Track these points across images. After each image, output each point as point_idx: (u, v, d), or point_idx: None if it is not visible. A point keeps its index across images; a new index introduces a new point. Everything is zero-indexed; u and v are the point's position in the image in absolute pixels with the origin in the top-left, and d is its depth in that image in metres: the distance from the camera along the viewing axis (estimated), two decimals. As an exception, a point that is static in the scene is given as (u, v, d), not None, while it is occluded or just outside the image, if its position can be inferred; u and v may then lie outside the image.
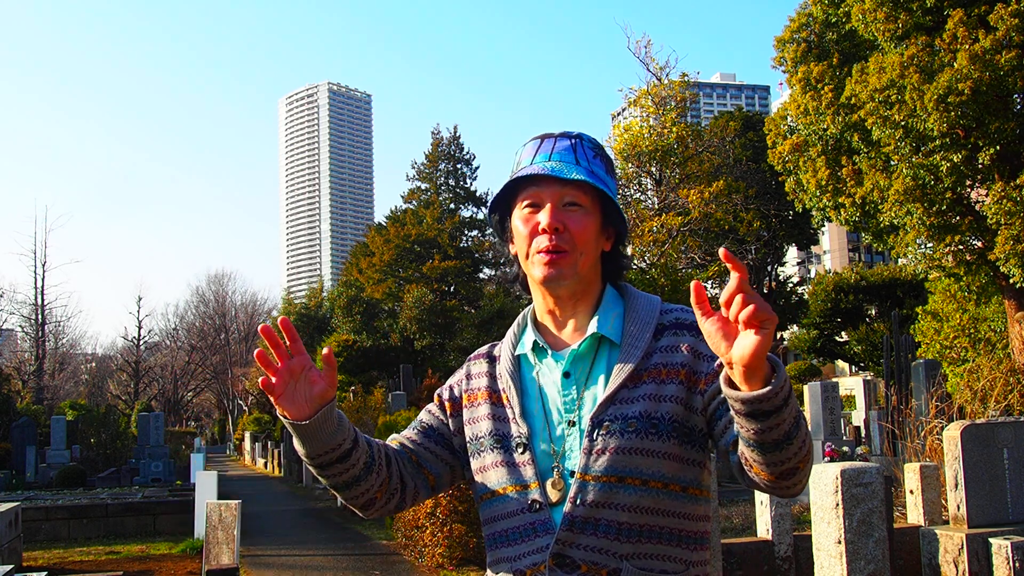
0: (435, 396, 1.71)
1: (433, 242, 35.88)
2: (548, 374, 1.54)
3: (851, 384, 27.77)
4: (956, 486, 5.97)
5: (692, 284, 1.22)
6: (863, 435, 18.68)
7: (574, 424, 1.48)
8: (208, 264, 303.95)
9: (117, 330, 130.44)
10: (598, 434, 1.43)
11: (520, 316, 1.65)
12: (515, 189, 1.56)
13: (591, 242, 1.53)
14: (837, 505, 4.67)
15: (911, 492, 6.68)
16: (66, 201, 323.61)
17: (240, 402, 52.98)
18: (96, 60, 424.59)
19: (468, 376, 1.67)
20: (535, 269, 1.52)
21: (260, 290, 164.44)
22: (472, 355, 1.71)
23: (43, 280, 34.87)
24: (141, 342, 48.54)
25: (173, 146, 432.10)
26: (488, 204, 1.63)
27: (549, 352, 1.55)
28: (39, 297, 34.98)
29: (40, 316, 35.26)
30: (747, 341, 1.16)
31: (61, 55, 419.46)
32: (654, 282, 11.89)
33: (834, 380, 18.65)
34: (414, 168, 39.59)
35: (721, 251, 1.19)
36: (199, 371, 55.29)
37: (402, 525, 9.67)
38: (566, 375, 1.52)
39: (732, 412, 1.27)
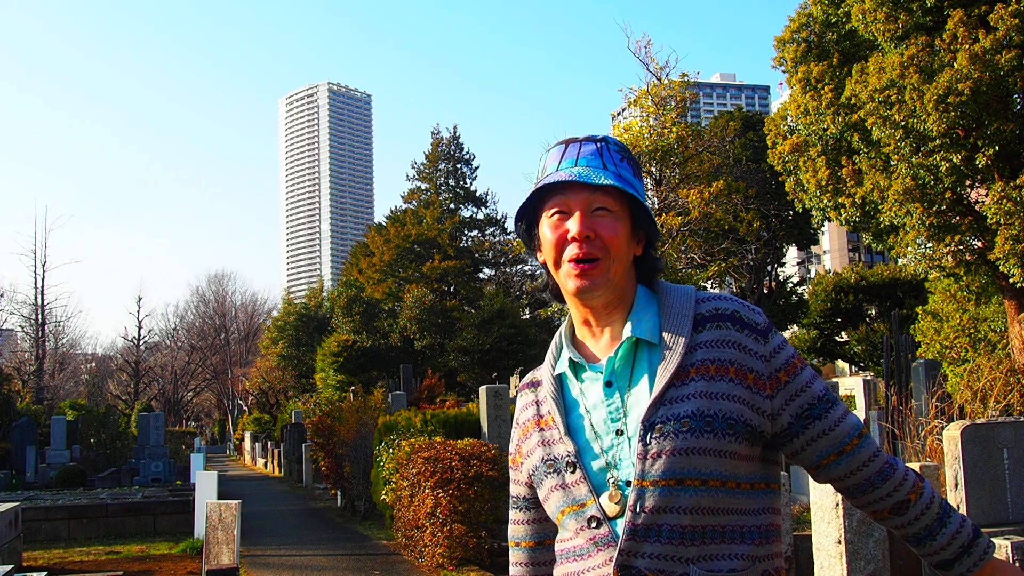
0: (509, 459, 1.70)
1: (433, 242, 35.88)
2: (590, 388, 1.51)
3: (851, 384, 27.73)
4: (956, 486, 5.97)
5: None
6: (863, 435, 18.65)
7: (622, 433, 1.44)
8: (208, 264, 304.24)
9: (117, 330, 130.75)
10: (651, 438, 1.39)
11: (556, 335, 1.61)
12: (542, 196, 1.52)
13: (623, 247, 1.49)
14: (837, 505, 4.68)
15: (911, 492, 6.67)
16: (66, 201, 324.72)
17: (240, 402, 53.00)
18: (96, 60, 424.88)
19: (518, 417, 1.66)
20: (567, 281, 1.49)
21: (260, 290, 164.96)
22: (519, 386, 1.70)
23: (43, 280, 34.90)
24: (141, 342, 48.57)
25: (173, 146, 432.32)
26: (513, 215, 1.60)
27: (587, 365, 1.51)
28: (39, 297, 35.02)
29: (40, 316, 35.26)
30: None
31: (61, 55, 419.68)
32: (654, 282, 12.05)
33: (834, 380, 18.67)
34: (414, 168, 39.60)
35: None
36: (199, 371, 55.33)
37: (402, 525, 9.67)
38: (607, 384, 1.48)
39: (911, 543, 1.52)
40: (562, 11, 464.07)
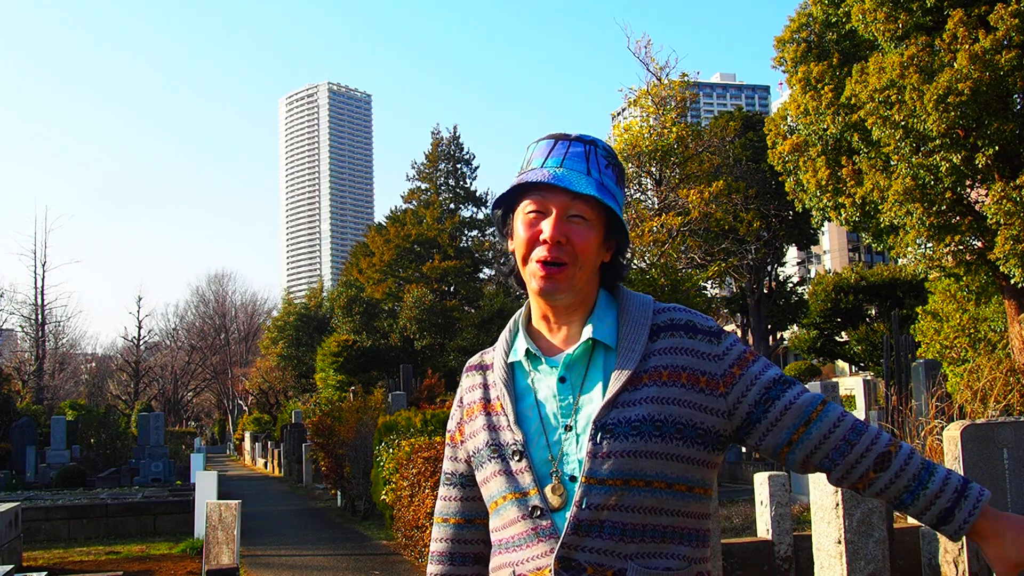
0: (447, 435, 1.71)
1: (433, 242, 35.88)
2: (542, 380, 1.53)
3: (851, 384, 27.74)
4: (956, 486, 5.97)
5: None
6: (863, 435, 18.64)
7: (570, 429, 1.47)
8: (208, 264, 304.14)
9: (117, 330, 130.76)
10: (602, 438, 1.43)
11: (511, 321, 1.63)
12: (522, 187, 1.53)
13: (592, 256, 1.51)
14: (837, 505, 4.68)
15: (911, 492, 6.68)
16: (66, 201, 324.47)
17: (240, 402, 53.00)
18: (96, 60, 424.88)
19: (462, 396, 1.67)
20: (532, 281, 1.51)
21: (260, 290, 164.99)
22: (466, 367, 1.70)
23: (43, 280, 34.90)
24: (141, 342, 48.55)
25: (173, 146, 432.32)
26: (492, 200, 1.61)
27: (543, 358, 1.53)
28: (39, 297, 35.01)
29: (40, 316, 35.26)
30: None
31: (61, 55, 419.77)
32: (654, 282, 11.87)
33: (834, 380, 18.65)
34: (414, 168, 39.60)
35: None
36: (199, 371, 55.33)
37: (402, 525, 9.67)
38: (561, 380, 1.50)
39: (916, 514, 1.45)
40: (562, 11, 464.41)
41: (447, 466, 1.70)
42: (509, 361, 1.58)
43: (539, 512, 1.45)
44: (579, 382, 1.50)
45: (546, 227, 1.48)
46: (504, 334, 1.63)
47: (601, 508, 1.41)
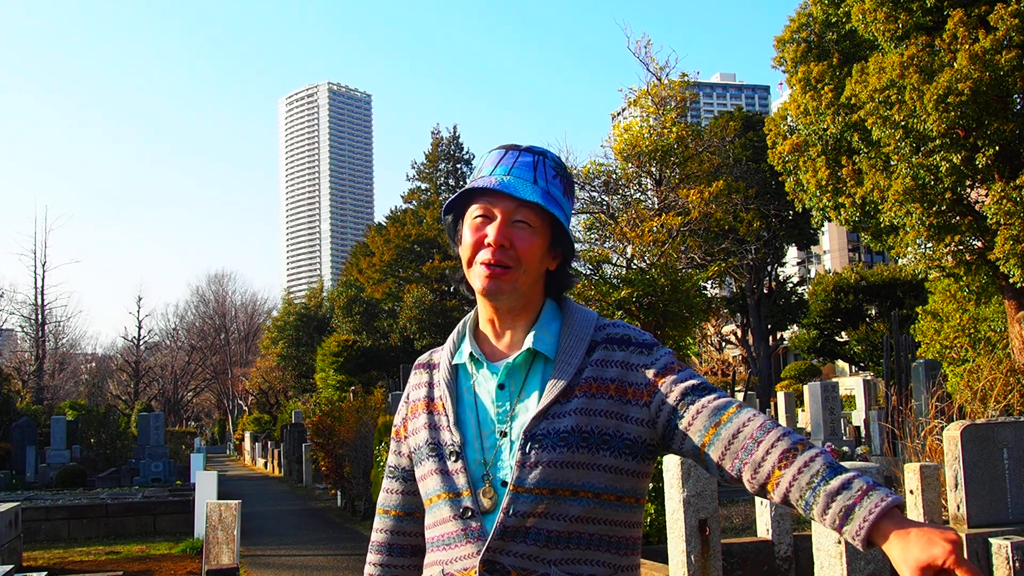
0: (393, 430, 1.75)
1: (433, 242, 35.88)
2: (483, 384, 1.57)
3: (851, 384, 27.78)
4: (956, 486, 5.97)
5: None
6: (863, 435, 18.68)
7: (505, 435, 1.51)
8: (208, 264, 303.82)
9: (117, 330, 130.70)
10: (531, 448, 1.46)
11: (460, 323, 1.67)
12: (470, 196, 1.58)
13: (535, 261, 1.54)
14: (837, 505, 4.67)
15: (911, 492, 6.67)
16: (66, 201, 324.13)
17: (240, 402, 53.01)
18: (96, 60, 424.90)
19: (409, 393, 1.71)
20: (476, 280, 1.55)
21: (260, 290, 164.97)
22: (415, 364, 1.73)
23: (43, 280, 34.84)
24: (141, 342, 48.52)
25: (173, 146, 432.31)
26: (444, 206, 1.65)
27: (485, 363, 1.58)
28: (39, 297, 34.98)
29: (40, 316, 35.25)
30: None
31: (61, 56, 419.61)
32: (654, 282, 11.85)
33: (834, 380, 18.68)
34: (414, 168, 39.63)
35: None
36: (199, 371, 55.30)
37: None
38: (500, 387, 1.55)
39: (816, 515, 1.31)
40: (562, 11, 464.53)
41: (391, 459, 1.74)
42: (454, 363, 1.63)
43: (470, 513, 1.49)
44: (517, 390, 1.54)
45: (491, 231, 1.52)
46: (452, 335, 1.66)
47: (527, 515, 1.44)
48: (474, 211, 1.56)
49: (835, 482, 1.29)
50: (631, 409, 1.50)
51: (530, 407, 1.51)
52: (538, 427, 1.47)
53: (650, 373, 1.51)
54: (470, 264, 1.56)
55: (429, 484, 1.57)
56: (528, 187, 1.52)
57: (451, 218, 1.64)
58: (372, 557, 1.72)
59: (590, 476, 1.46)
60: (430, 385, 1.65)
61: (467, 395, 1.59)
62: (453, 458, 1.53)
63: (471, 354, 1.60)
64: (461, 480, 1.51)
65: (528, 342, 1.54)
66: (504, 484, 1.48)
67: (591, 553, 1.47)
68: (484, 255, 1.53)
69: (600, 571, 1.47)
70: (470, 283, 1.60)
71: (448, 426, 1.56)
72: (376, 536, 1.72)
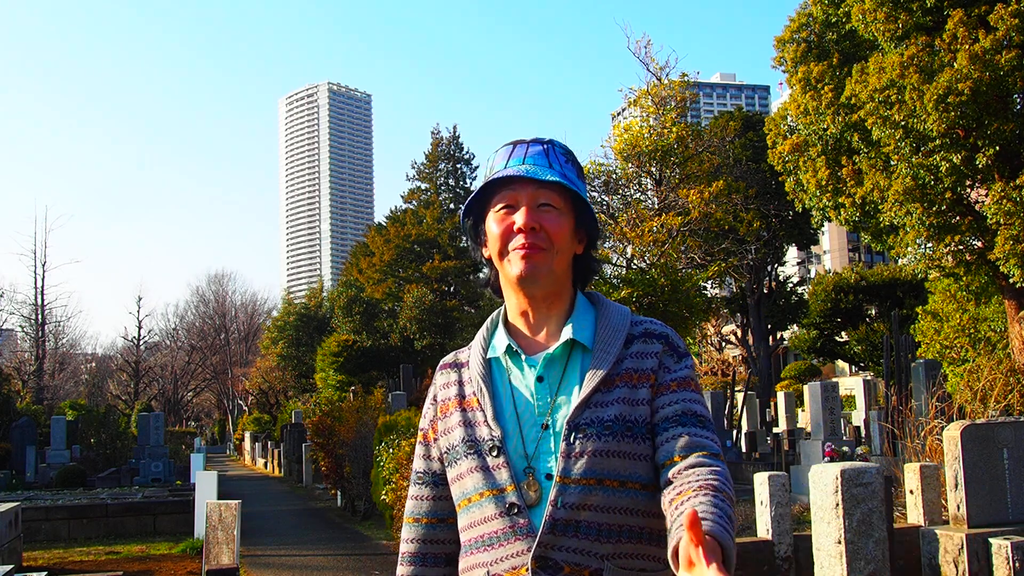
0: (419, 434, 1.71)
1: (433, 242, 35.87)
2: (520, 378, 1.56)
3: (851, 384, 27.78)
4: (956, 486, 5.97)
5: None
6: (863, 435, 18.69)
7: (547, 428, 1.49)
8: (208, 264, 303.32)
9: (117, 330, 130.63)
10: (575, 437, 1.45)
11: (489, 320, 1.66)
12: (489, 193, 1.59)
13: (566, 241, 1.56)
14: (837, 505, 4.68)
15: (911, 492, 6.68)
16: (66, 201, 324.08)
17: (240, 402, 53.01)
18: (96, 60, 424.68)
19: (436, 394, 1.68)
20: (512, 267, 1.54)
21: (260, 290, 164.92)
22: (440, 364, 1.71)
23: (43, 280, 34.86)
24: (141, 342, 48.52)
25: (173, 146, 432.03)
26: (463, 207, 1.64)
27: (523, 356, 1.56)
28: (39, 297, 34.99)
29: (40, 316, 35.24)
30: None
31: (61, 56, 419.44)
32: (654, 282, 11.85)
33: (834, 380, 18.66)
34: (414, 168, 39.60)
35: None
36: (199, 371, 55.29)
37: (402, 525, 9.68)
38: (539, 379, 1.53)
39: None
40: (562, 11, 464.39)
41: (418, 465, 1.70)
42: (489, 357, 1.60)
43: (516, 509, 1.46)
44: (556, 382, 1.53)
45: (519, 217, 1.53)
46: (481, 331, 1.65)
47: (576, 507, 1.43)
48: (497, 204, 1.57)
49: (694, 501, 1.30)
50: (654, 402, 1.51)
51: (571, 398, 1.50)
52: (582, 416, 1.46)
53: (670, 376, 1.53)
54: (502, 255, 1.57)
55: (468, 483, 1.53)
56: (546, 171, 1.54)
57: (471, 221, 1.65)
58: (404, 570, 1.65)
59: (636, 466, 1.45)
60: (460, 383, 1.63)
61: (503, 389, 1.57)
62: (494, 453, 1.50)
63: (508, 347, 1.58)
64: (503, 475, 1.48)
65: (567, 333, 1.54)
66: (549, 477, 1.46)
67: (641, 547, 1.46)
68: (517, 241, 1.53)
69: (650, 565, 1.46)
70: (504, 275, 1.60)
71: (486, 420, 1.53)
72: (406, 547, 1.67)
